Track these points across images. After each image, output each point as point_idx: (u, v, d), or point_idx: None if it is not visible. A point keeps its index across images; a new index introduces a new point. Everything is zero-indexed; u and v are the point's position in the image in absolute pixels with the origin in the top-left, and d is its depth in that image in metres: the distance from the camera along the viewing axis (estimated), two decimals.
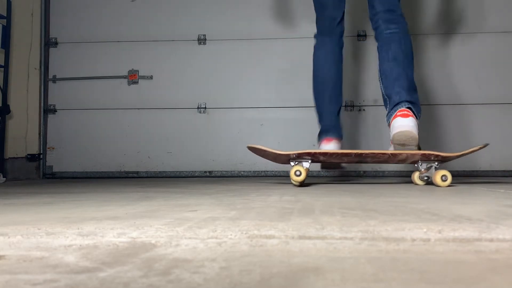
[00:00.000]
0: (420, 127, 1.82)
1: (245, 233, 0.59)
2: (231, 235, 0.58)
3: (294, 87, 2.97)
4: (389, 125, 1.83)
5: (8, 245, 0.54)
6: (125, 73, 3.09)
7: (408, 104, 1.78)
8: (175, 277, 0.39)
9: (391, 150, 1.77)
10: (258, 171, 2.95)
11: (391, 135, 1.75)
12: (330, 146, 2.00)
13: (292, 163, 1.74)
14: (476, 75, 2.92)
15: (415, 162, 1.76)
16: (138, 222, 0.71)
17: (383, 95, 1.93)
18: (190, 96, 3.04)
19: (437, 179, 1.61)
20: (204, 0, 3.08)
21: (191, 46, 3.07)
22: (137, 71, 3.08)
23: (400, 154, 1.71)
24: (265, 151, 1.80)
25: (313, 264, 0.43)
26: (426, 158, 1.71)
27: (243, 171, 2.96)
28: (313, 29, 3.03)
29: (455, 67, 2.94)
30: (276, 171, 2.94)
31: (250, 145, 1.84)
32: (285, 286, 0.36)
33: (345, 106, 2.95)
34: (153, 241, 0.55)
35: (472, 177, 2.63)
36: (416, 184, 1.79)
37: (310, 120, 2.97)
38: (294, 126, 2.96)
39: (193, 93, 3.04)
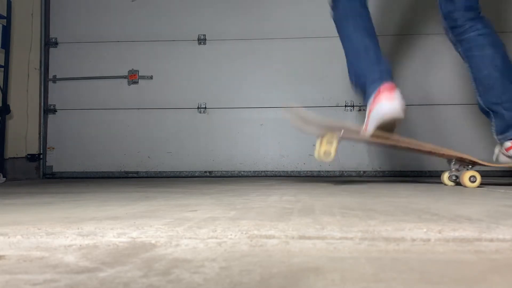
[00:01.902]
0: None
1: (245, 233, 0.59)
2: (231, 235, 0.58)
3: (294, 87, 2.97)
4: (505, 147, 1.66)
5: (8, 245, 0.54)
6: (125, 73, 3.09)
7: None
8: (175, 277, 0.39)
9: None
10: (258, 171, 2.95)
11: None
12: (394, 98, 1.52)
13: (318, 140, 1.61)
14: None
15: (449, 160, 1.72)
16: (138, 222, 0.71)
17: (481, 107, 1.74)
18: (190, 96, 3.04)
19: (465, 179, 1.57)
20: (204, 0, 3.08)
21: (191, 46, 3.07)
22: (137, 71, 3.08)
23: (442, 153, 1.69)
24: (306, 118, 1.67)
25: (313, 264, 0.43)
26: (463, 162, 1.68)
27: (243, 171, 2.96)
28: (314, 29, 3.04)
29: (456, 67, 2.94)
30: (276, 171, 2.94)
31: (290, 107, 1.72)
32: (285, 286, 0.36)
33: (345, 106, 2.95)
34: (153, 241, 0.55)
35: None
36: (446, 185, 1.74)
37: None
38: None
39: (193, 93, 3.04)
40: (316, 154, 1.57)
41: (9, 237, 0.58)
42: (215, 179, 2.61)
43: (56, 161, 3.09)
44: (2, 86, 2.88)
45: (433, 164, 2.83)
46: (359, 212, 0.81)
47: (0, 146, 2.85)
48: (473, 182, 1.56)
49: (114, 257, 0.47)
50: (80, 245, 0.53)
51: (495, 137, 1.71)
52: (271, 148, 2.97)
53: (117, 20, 3.12)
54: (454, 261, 0.45)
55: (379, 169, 2.90)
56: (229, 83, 3.03)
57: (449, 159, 1.72)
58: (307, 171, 2.93)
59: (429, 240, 0.54)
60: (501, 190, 1.45)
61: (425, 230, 0.60)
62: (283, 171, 2.94)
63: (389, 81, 1.55)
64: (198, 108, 3.04)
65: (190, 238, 0.57)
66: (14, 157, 3.02)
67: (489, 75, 1.64)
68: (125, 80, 3.09)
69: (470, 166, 1.67)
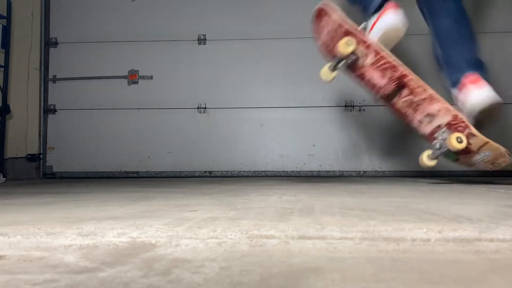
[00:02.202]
0: None
1: (245, 233, 0.59)
2: (231, 235, 0.58)
3: (295, 87, 2.97)
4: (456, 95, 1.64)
5: (8, 245, 0.54)
6: (125, 73, 3.09)
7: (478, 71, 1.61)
8: (175, 277, 0.39)
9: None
10: (258, 171, 2.95)
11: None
12: (398, 14, 1.58)
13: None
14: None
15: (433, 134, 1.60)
16: (138, 222, 0.71)
17: (438, 62, 1.72)
18: (190, 96, 3.04)
19: (452, 140, 1.46)
20: (204, 0, 3.08)
21: (191, 46, 3.07)
22: (137, 71, 3.08)
23: (437, 100, 1.55)
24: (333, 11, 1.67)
25: (313, 264, 0.43)
26: (453, 128, 1.54)
27: (243, 171, 2.96)
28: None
29: None
30: (276, 171, 2.94)
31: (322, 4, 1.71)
32: (285, 286, 0.36)
33: (345, 106, 2.94)
34: (153, 241, 0.55)
35: (472, 177, 2.63)
36: (426, 166, 1.63)
37: (310, 120, 2.97)
38: (294, 126, 2.96)
39: (193, 93, 3.04)
40: (322, 72, 1.60)
41: (9, 237, 0.58)
42: (215, 179, 2.61)
43: (56, 161, 3.09)
44: (2, 86, 2.88)
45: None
46: (359, 212, 0.82)
47: (0, 146, 2.85)
48: (460, 142, 1.47)
49: (114, 257, 0.47)
50: (80, 245, 0.53)
51: (450, 89, 1.70)
52: (271, 148, 2.97)
53: (117, 20, 3.12)
54: (454, 261, 0.45)
55: (379, 169, 2.90)
56: (229, 83, 3.03)
57: (433, 132, 1.60)
58: (307, 171, 2.93)
59: (429, 240, 0.54)
60: (501, 190, 1.45)
61: (425, 230, 0.60)
62: (283, 171, 2.94)
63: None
64: (198, 108, 3.04)
65: (190, 238, 0.57)
66: (14, 157, 3.02)
67: (445, 24, 1.67)
68: (125, 80, 3.09)
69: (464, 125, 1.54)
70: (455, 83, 1.63)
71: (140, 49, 3.08)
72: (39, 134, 3.09)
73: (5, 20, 2.90)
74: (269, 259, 0.46)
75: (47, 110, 3.12)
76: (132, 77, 3.08)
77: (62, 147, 3.09)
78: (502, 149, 1.53)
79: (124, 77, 3.09)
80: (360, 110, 2.95)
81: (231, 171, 2.98)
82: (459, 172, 2.86)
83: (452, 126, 1.54)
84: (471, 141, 1.52)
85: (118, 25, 3.11)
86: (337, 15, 1.67)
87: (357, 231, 0.60)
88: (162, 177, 2.96)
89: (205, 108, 3.04)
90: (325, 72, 1.54)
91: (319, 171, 2.92)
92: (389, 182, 2.08)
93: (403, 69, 1.57)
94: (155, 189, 1.62)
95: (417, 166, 2.89)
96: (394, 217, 0.73)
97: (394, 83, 1.60)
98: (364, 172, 2.90)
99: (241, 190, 1.51)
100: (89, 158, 3.05)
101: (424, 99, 1.57)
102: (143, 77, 3.08)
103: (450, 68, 1.67)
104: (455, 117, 1.53)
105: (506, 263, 0.44)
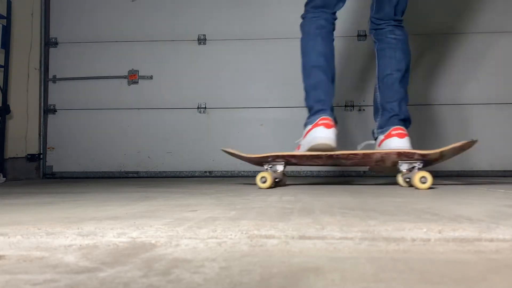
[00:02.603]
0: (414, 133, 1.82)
1: (245, 233, 0.59)
2: (231, 235, 0.58)
3: (294, 87, 2.96)
4: (378, 141, 1.81)
5: (8, 245, 0.54)
6: (125, 73, 3.09)
7: (402, 124, 1.77)
8: (175, 277, 0.39)
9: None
10: (258, 171, 2.94)
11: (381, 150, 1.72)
12: (329, 133, 1.68)
13: (265, 167, 1.74)
14: (476, 75, 2.92)
15: (395, 163, 1.69)
16: (138, 222, 0.71)
17: (376, 102, 1.89)
18: (190, 96, 3.04)
19: (416, 181, 1.49)
20: (204, 0, 3.08)
21: (191, 46, 3.07)
22: (137, 71, 3.08)
23: (374, 154, 1.65)
24: (237, 155, 1.83)
25: (313, 264, 0.43)
26: (405, 158, 1.63)
27: (243, 171, 2.96)
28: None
29: (455, 67, 2.94)
30: None
31: (223, 149, 1.89)
32: (285, 286, 0.36)
33: (345, 106, 2.95)
34: (153, 241, 0.55)
35: (472, 177, 2.64)
36: (402, 186, 1.69)
37: None
38: (294, 126, 2.95)
39: (193, 93, 3.04)
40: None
41: (9, 237, 0.58)
42: (215, 179, 2.61)
43: (56, 161, 3.09)
44: (2, 86, 2.88)
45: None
46: (359, 212, 0.82)
47: (0, 146, 2.85)
48: (424, 183, 1.48)
49: (114, 257, 0.47)
50: (80, 245, 0.53)
51: (375, 130, 1.87)
52: (271, 148, 2.96)
53: (117, 20, 3.12)
54: (454, 261, 0.45)
55: None
56: (229, 83, 3.03)
57: (394, 163, 1.68)
58: (307, 171, 2.93)
59: (429, 240, 0.54)
60: (501, 190, 1.45)
61: (425, 230, 0.60)
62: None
63: (329, 116, 1.73)
64: (198, 108, 3.04)
65: (190, 238, 0.57)
66: (14, 157, 3.02)
67: (391, 75, 1.82)
68: (125, 80, 3.09)
69: (418, 163, 1.60)
70: (384, 130, 1.80)
71: (140, 49, 3.08)
72: (39, 134, 3.09)
73: (5, 20, 2.90)
74: (269, 259, 0.46)
75: (47, 110, 3.12)
76: (132, 77, 3.08)
77: (62, 147, 3.09)
78: (458, 144, 1.60)
79: (124, 77, 3.09)
80: (360, 110, 2.95)
81: (231, 171, 2.97)
82: (459, 172, 2.86)
83: (404, 157, 1.64)
84: (428, 157, 1.61)
85: (118, 25, 3.11)
86: (240, 154, 1.83)
87: (357, 231, 0.60)
88: (162, 177, 2.96)
89: (205, 108, 3.04)
90: (261, 186, 1.63)
91: (319, 171, 2.92)
92: (389, 182, 2.08)
93: (326, 153, 1.68)
94: (155, 189, 1.63)
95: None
96: (394, 217, 0.73)
97: (329, 162, 1.75)
98: (364, 172, 2.90)
99: (241, 190, 1.51)
100: (89, 158, 3.05)
101: (362, 157, 1.69)
102: (143, 77, 3.08)
103: (383, 115, 1.83)
104: (399, 153, 1.63)
105: (506, 263, 0.44)
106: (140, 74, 3.08)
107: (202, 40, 3.06)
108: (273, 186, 1.64)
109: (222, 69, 3.04)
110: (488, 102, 2.90)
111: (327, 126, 1.68)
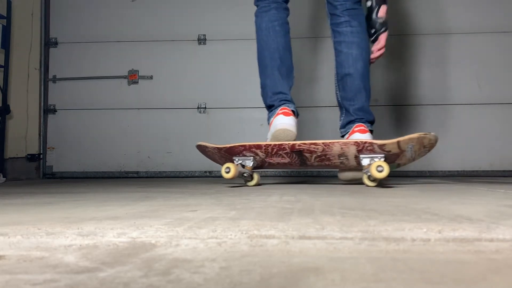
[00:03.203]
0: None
1: (245, 233, 0.59)
2: (231, 235, 0.58)
3: (294, 87, 2.97)
4: (343, 136, 1.82)
5: (8, 245, 0.54)
6: (125, 73, 3.09)
7: (365, 122, 1.78)
8: (175, 277, 0.39)
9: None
10: (258, 171, 2.95)
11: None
12: (289, 119, 1.72)
13: (235, 162, 1.74)
14: (476, 75, 2.92)
15: (358, 160, 1.64)
16: (138, 222, 0.71)
17: (338, 101, 1.87)
18: (190, 96, 3.04)
19: (373, 170, 1.45)
20: (204, 0, 3.08)
21: (191, 46, 3.07)
22: (137, 71, 3.08)
23: (333, 143, 1.60)
24: (206, 146, 1.84)
25: (313, 264, 0.43)
26: (366, 151, 1.59)
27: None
28: (313, 29, 3.04)
29: (455, 67, 2.94)
30: (277, 171, 2.94)
31: (198, 144, 1.89)
32: (285, 286, 0.36)
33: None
34: (153, 241, 0.55)
35: (472, 177, 2.63)
36: (368, 186, 1.62)
37: (310, 120, 2.97)
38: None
39: (193, 93, 3.04)
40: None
41: (9, 237, 0.58)
42: (215, 179, 2.61)
43: (56, 161, 3.09)
44: (2, 86, 2.88)
45: (433, 164, 2.83)
46: (359, 212, 0.82)
47: (0, 146, 2.85)
48: (380, 171, 1.44)
49: (114, 257, 0.47)
50: (80, 245, 0.53)
51: (339, 130, 1.87)
52: None
53: (117, 20, 3.12)
54: (454, 261, 0.45)
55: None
56: (229, 83, 3.03)
57: (357, 159, 1.65)
58: (307, 171, 2.92)
59: (429, 240, 0.54)
60: (501, 190, 1.45)
61: (425, 230, 0.60)
62: (283, 171, 2.94)
63: (288, 106, 1.76)
64: (198, 108, 3.04)
65: (190, 238, 0.57)
66: (14, 157, 3.02)
67: (349, 74, 1.78)
68: (125, 80, 3.09)
69: (379, 157, 1.57)
70: (346, 129, 1.81)
71: (140, 49, 3.09)
72: (39, 134, 3.09)
73: (5, 20, 2.90)
74: (269, 259, 0.46)
75: (47, 110, 3.12)
76: (132, 77, 3.08)
77: (62, 147, 3.09)
78: (415, 135, 1.56)
79: (124, 77, 3.09)
80: None
81: None
82: (459, 172, 2.86)
83: (364, 151, 1.60)
84: (386, 148, 1.57)
85: (118, 25, 3.11)
86: (211, 145, 1.84)
87: (357, 231, 0.60)
88: (162, 177, 2.96)
89: (205, 108, 3.04)
90: (225, 176, 1.62)
91: (319, 171, 2.92)
92: (389, 182, 2.08)
93: (289, 143, 1.65)
94: (155, 189, 1.62)
95: (417, 166, 2.90)
96: (394, 217, 0.73)
97: (295, 156, 1.71)
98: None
99: (241, 190, 1.51)
100: (89, 158, 3.05)
101: (323, 149, 1.64)
102: (143, 77, 3.08)
103: (346, 115, 1.83)
104: (357, 143, 1.60)
105: (506, 263, 0.44)
106: (140, 74, 3.08)
107: (202, 40, 3.06)
108: (238, 177, 1.66)
109: (222, 69, 3.04)
110: (488, 102, 2.90)
111: (286, 114, 1.72)
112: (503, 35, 2.91)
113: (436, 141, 1.63)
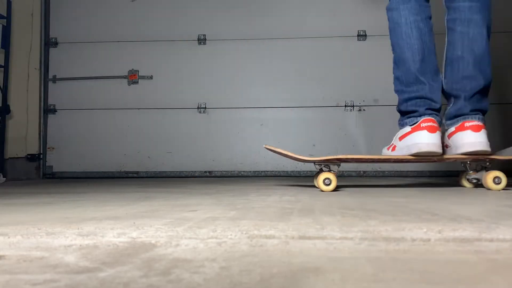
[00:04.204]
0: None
1: (245, 233, 0.59)
2: (231, 235, 0.58)
3: (294, 87, 2.97)
4: (448, 133, 1.54)
5: (8, 245, 0.54)
6: (125, 73, 3.09)
7: (480, 115, 1.50)
8: (175, 277, 0.39)
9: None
10: (258, 171, 2.95)
11: (460, 148, 1.47)
12: (435, 138, 1.44)
13: (317, 166, 1.52)
14: None
15: (463, 162, 1.55)
16: (138, 222, 0.71)
17: (443, 89, 1.56)
18: (190, 96, 3.04)
19: (489, 181, 1.38)
20: (204, 0, 3.08)
21: (191, 46, 3.07)
22: (137, 71, 3.08)
23: (448, 158, 1.51)
24: (285, 154, 1.58)
25: (313, 264, 0.43)
26: (476, 159, 1.50)
27: (243, 171, 2.96)
28: (313, 29, 3.04)
29: None
30: (276, 171, 2.94)
31: (267, 146, 1.61)
32: (285, 286, 0.36)
33: (345, 106, 2.94)
34: (153, 241, 0.55)
35: None
36: (464, 187, 1.57)
37: (310, 120, 2.97)
38: (294, 126, 2.96)
39: (193, 93, 3.04)
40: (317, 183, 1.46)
41: (9, 237, 0.58)
42: (215, 179, 2.61)
43: (56, 161, 3.09)
44: (2, 86, 2.88)
45: (433, 164, 2.83)
46: (359, 212, 0.81)
47: (0, 146, 2.85)
48: (498, 183, 1.36)
49: (114, 257, 0.47)
50: (80, 245, 0.53)
51: (444, 121, 1.58)
52: None
53: (117, 20, 3.12)
54: (454, 261, 0.45)
55: (379, 169, 2.90)
56: (229, 83, 3.03)
57: (463, 161, 1.55)
58: (307, 171, 2.93)
59: (429, 240, 0.54)
60: (501, 190, 1.45)
61: (425, 230, 0.60)
62: (283, 171, 2.94)
63: (431, 116, 1.48)
64: (198, 108, 3.04)
65: (190, 238, 0.57)
66: (14, 157, 3.02)
67: (462, 57, 1.51)
68: (125, 80, 3.09)
69: (488, 164, 1.48)
70: (454, 121, 1.54)
71: (140, 49, 3.08)
72: (39, 134, 3.09)
73: (5, 20, 2.90)
74: (269, 259, 0.46)
75: (47, 110, 3.12)
76: (132, 77, 3.08)
77: (62, 147, 3.09)
78: None
79: (124, 77, 3.09)
80: (360, 110, 2.95)
81: (231, 171, 2.98)
82: (460, 172, 2.86)
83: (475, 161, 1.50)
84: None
85: (118, 25, 3.11)
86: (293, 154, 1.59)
87: (357, 231, 0.60)
88: (162, 177, 2.96)
89: (205, 108, 3.04)
90: (325, 189, 1.41)
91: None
92: (389, 182, 2.08)
93: (431, 158, 1.52)
94: (155, 189, 1.62)
95: (417, 166, 2.90)
96: (394, 217, 0.73)
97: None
98: (364, 172, 2.90)
99: (241, 190, 1.51)
100: (89, 158, 3.05)
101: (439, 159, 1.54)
102: (143, 77, 3.08)
103: (455, 103, 1.55)
104: (476, 158, 1.49)
105: (506, 263, 0.44)
106: (140, 74, 3.08)
107: (202, 40, 3.06)
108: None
109: (222, 69, 3.04)
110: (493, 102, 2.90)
111: (431, 129, 1.44)
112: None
113: None
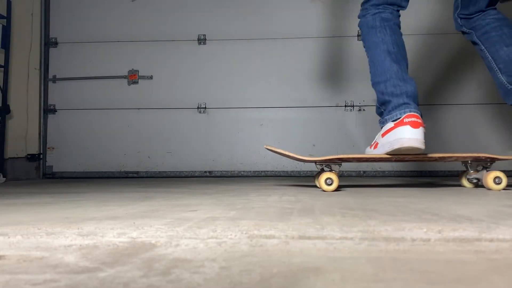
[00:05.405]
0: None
1: (245, 233, 0.59)
2: (231, 235, 0.58)
3: (294, 87, 2.97)
4: None
5: (8, 245, 0.54)
6: (125, 73, 3.09)
7: None
8: (175, 277, 0.39)
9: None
10: (258, 171, 2.95)
11: None
12: (418, 133, 1.43)
13: (318, 166, 1.53)
14: (476, 75, 2.92)
15: (464, 161, 1.57)
16: (138, 222, 0.71)
17: (503, 84, 1.59)
18: (190, 96, 3.04)
19: (489, 181, 1.39)
20: (204, 0, 3.08)
21: (191, 46, 3.07)
22: (137, 71, 3.08)
23: (450, 157, 1.52)
24: (286, 155, 1.58)
25: (313, 264, 0.43)
26: (477, 159, 1.52)
27: (243, 171, 2.96)
28: (313, 30, 3.04)
29: (455, 67, 2.94)
30: (276, 171, 2.94)
31: (268, 147, 1.60)
32: (285, 286, 0.36)
33: (345, 106, 2.94)
34: (153, 241, 0.55)
35: None
36: (464, 187, 1.59)
37: (310, 120, 2.97)
38: (294, 126, 2.96)
39: (193, 93, 3.04)
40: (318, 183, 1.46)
41: (9, 237, 0.58)
42: (215, 179, 2.61)
43: (56, 161, 3.09)
44: (2, 86, 2.88)
45: (433, 164, 2.83)
46: (359, 212, 0.81)
47: (0, 146, 2.85)
48: (499, 184, 1.38)
49: (114, 257, 0.47)
50: (80, 245, 0.53)
51: None
52: None
53: (117, 20, 3.12)
54: (454, 261, 0.45)
55: (379, 169, 2.90)
56: (229, 83, 3.03)
57: (464, 160, 1.57)
58: (307, 171, 2.93)
59: (429, 240, 0.54)
60: (502, 190, 1.45)
61: (425, 230, 0.60)
62: (283, 171, 2.94)
63: (414, 111, 1.47)
64: (198, 108, 3.04)
65: (190, 238, 0.57)
66: (14, 157, 3.02)
67: (510, 50, 1.55)
68: (125, 80, 3.09)
69: (489, 164, 1.50)
70: None
71: (140, 49, 3.09)
72: (39, 134, 3.09)
73: (5, 20, 2.90)
74: (269, 259, 0.45)
75: (47, 110, 3.12)
76: (132, 77, 3.08)
77: (62, 147, 3.09)
78: None
79: (124, 77, 3.09)
80: (360, 110, 2.95)
81: (231, 171, 2.98)
82: (459, 172, 2.86)
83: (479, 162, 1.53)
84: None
85: (118, 25, 3.11)
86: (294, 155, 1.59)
87: (357, 231, 0.60)
88: (162, 177, 2.96)
89: (205, 108, 3.04)
90: (327, 188, 1.42)
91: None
92: (389, 182, 2.08)
93: (414, 156, 1.53)
94: (155, 189, 1.62)
95: (417, 166, 2.90)
96: (394, 217, 0.73)
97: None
98: (364, 172, 2.90)
99: (241, 190, 1.51)
100: (89, 158, 3.05)
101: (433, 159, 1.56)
102: (143, 77, 3.08)
103: None
104: (476, 157, 1.52)
105: (506, 263, 0.44)
106: (140, 74, 3.08)
107: (202, 40, 3.06)
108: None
109: (222, 69, 3.04)
110: (487, 102, 2.90)
111: (415, 125, 1.43)
112: None
113: None
